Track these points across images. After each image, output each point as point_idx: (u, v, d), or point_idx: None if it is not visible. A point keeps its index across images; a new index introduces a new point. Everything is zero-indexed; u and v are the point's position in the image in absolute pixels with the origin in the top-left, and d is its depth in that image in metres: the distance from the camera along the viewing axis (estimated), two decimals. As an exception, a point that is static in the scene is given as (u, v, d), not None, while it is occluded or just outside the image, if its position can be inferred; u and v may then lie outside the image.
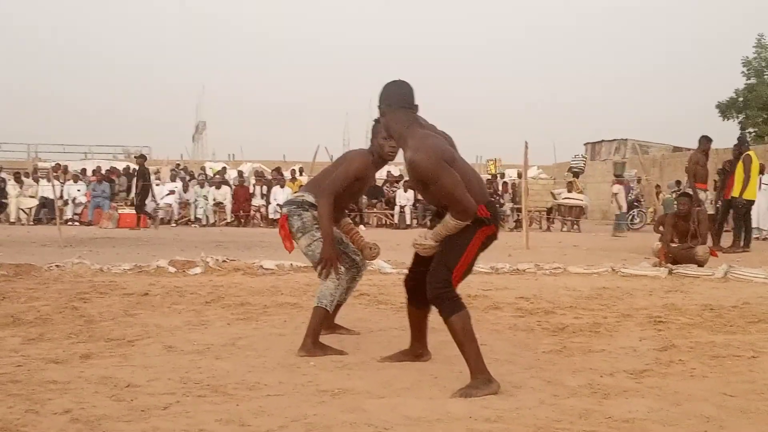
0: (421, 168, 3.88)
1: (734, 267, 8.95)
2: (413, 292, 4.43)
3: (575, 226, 21.03)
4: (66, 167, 25.53)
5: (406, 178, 22.23)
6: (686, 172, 13.54)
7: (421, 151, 3.89)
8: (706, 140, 13.33)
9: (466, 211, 3.91)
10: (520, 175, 24.06)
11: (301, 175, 23.34)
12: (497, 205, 4.22)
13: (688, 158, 14.22)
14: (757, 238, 15.29)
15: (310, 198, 5.02)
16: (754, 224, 15.49)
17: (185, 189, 21.94)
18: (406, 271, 8.87)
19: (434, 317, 4.69)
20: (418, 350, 4.62)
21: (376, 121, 4.99)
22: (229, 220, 21.74)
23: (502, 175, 25.63)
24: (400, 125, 4.08)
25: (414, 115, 4.11)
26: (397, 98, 4.12)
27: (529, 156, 14.94)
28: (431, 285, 4.01)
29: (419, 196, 21.46)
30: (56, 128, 76.58)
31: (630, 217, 21.96)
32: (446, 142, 4.11)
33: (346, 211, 5.59)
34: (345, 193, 4.99)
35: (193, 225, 21.26)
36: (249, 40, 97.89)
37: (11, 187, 21.14)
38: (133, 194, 20.29)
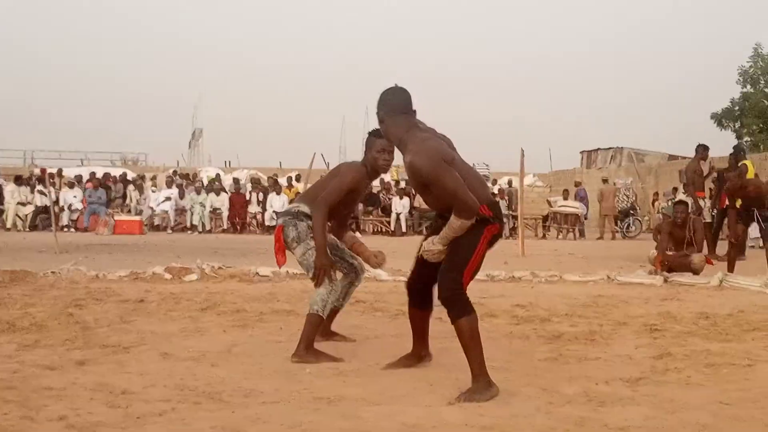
0: (422, 170, 3.92)
1: (729, 275, 8.96)
2: (415, 294, 4.46)
3: (570, 234, 21.09)
4: (60, 171, 25.47)
5: (402, 185, 22.28)
6: (681, 181, 13.59)
7: (420, 153, 3.93)
8: (703, 149, 13.38)
9: (469, 210, 3.94)
10: (510, 183, 24.21)
11: (298, 182, 23.33)
12: (499, 205, 4.25)
13: (685, 167, 14.28)
14: (753, 247, 15.29)
15: (304, 209, 5.08)
16: (753, 233, 15.51)
17: (181, 195, 21.92)
18: (402, 278, 8.90)
19: (432, 325, 4.70)
20: (421, 351, 4.65)
21: (370, 134, 5.07)
22: (225, 227, 21.73)
23: (495, 182, 25.74)
24: (399, 130, 4.12)
25: (413, 120, 4.16)
26: (396, 104, 4.16)
27: (525, 164, 14.94)
28: (443, 286, 4.04)
29: (415, 204, 21.51)
30: (53, 134, 76.57)
31: (626, 225, 22.05)
32: (446, 144, 4.15)
33: (348, 222, 5.64)
34: (339, 205, 5.08)
35: (189, 232, 21.24)
36: (246, 47, 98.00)
37: (8, 193, 21.08)
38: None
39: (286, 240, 5.07)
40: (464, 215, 3.96)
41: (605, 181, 24.51)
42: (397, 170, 27.95)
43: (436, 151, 3.97)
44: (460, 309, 4.01)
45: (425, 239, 4.25)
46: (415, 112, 4.19)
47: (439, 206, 4.18)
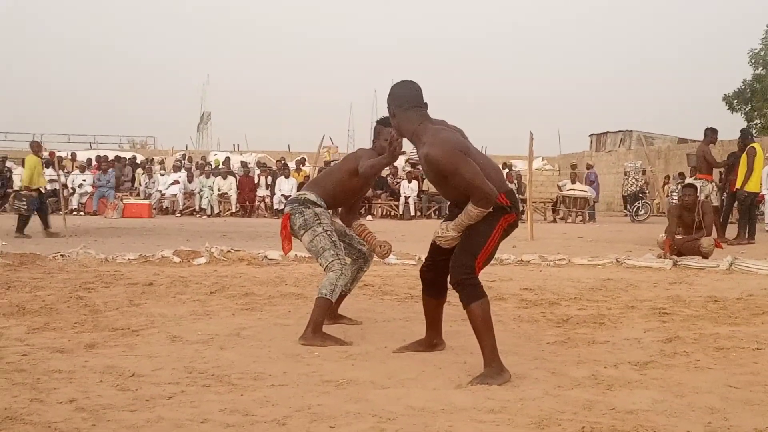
0: (439, 161, 3.92)
1: (739, 259, 8.93)
2: (430, 282, 4.44)
3: (579, 217, 21.03)
4: (74, 155, 25.56)
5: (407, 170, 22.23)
6: (689, 164, 13.47)
7: (436, 145, 3.94)
8: (712, 132, 13.31)
9: (487, 198, 3.93)
10: (510, 167, 24.07)
11: (303, 166, 23.30)
12: (515, 194, 4.23)
13: (696, 151, 14.20)
14: None
15: (311, 196, 5.10)
16: None
17: (190, 179, 21.94)
18: (410, 262, 8.90)
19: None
20: (433, 340, 4.63)
21: (378, 122, 5.08)
22: (233, 211, 21.76)
23: (508, 166, 25.61)
24: (412, 124, 4.13)
25: (425, 113, 4.16)
26: (407, 98, 4.16)
27: (534, 147, 14.88)
28: (455, 271, 4.04)
29: (423, 187, 21.47)
30: (61, 118, 76.74)
31: (635, 209, 21.98)
32: (459, 134, 4.14)
33: (358, 209, 5.66)
34: (349, 192, 5.16)
35: (197, 215, 21.28)
36: (254, 30, 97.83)
37: (17, 177, 21.11)
38: None
39: (293, 228, 5.09)
40: (482, 203, 3.95)
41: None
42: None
43: (452, 142, 3.97)
44: (472, 294, 4.01)
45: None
46: (426, 105, 4.19)
47: (457, 197, 4.15)
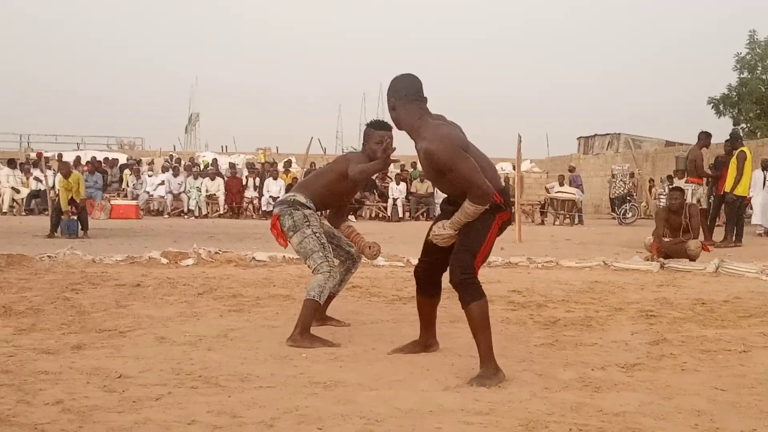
0: (438, 156, 3.93)
1: (726, 262, 8.96)
2: (424, 281, 4.45)
3: (567, 220, 21.09)
4: (60, 156, 25.43)
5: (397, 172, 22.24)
6: (678, 167, 13.52)
7: (436, 139, 3.95)
8: (705, 136, 13.38)
9: (484, 196, 3.95)
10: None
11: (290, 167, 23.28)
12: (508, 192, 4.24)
13: (687, 153, 14.26)
14: (761, 234, 15.32)
15: (300, 198, 5.10)
16: (756, 220, 15.54)
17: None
18: (398, 263, 8.90)
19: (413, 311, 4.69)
20: (428, 340, 4.63)
21: (368, 125, 5.08)
22: (221, 212, 21.71)
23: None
24: (412, 118, 4.13)
25: (425, 107, 4.16)
26: (407, 91, 4.16)
27: (522, 149, 14.92)
28: (455, 271, 4.04)
29: (412, 189, 21.49)
30: (49, 118, 76.43)
31: (623, 211, 22.05)
32: (458, 130, 4.15)
33: (346, 211, 5.67)
34: (338, 193, 5.16)
35: (185, 216, 21.21)
36: (243, 31, 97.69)
37: (3, 177, 20.99)
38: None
39: (283, 229, 5.08)
40: (479, 201, 3.96)
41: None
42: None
43: (452, 137, 3.99)
44: (472, 293, 4.01)
45: (434, 224, 4.25)
46: (426, 99, 4.19)
47: (454, 192, 4.16)
